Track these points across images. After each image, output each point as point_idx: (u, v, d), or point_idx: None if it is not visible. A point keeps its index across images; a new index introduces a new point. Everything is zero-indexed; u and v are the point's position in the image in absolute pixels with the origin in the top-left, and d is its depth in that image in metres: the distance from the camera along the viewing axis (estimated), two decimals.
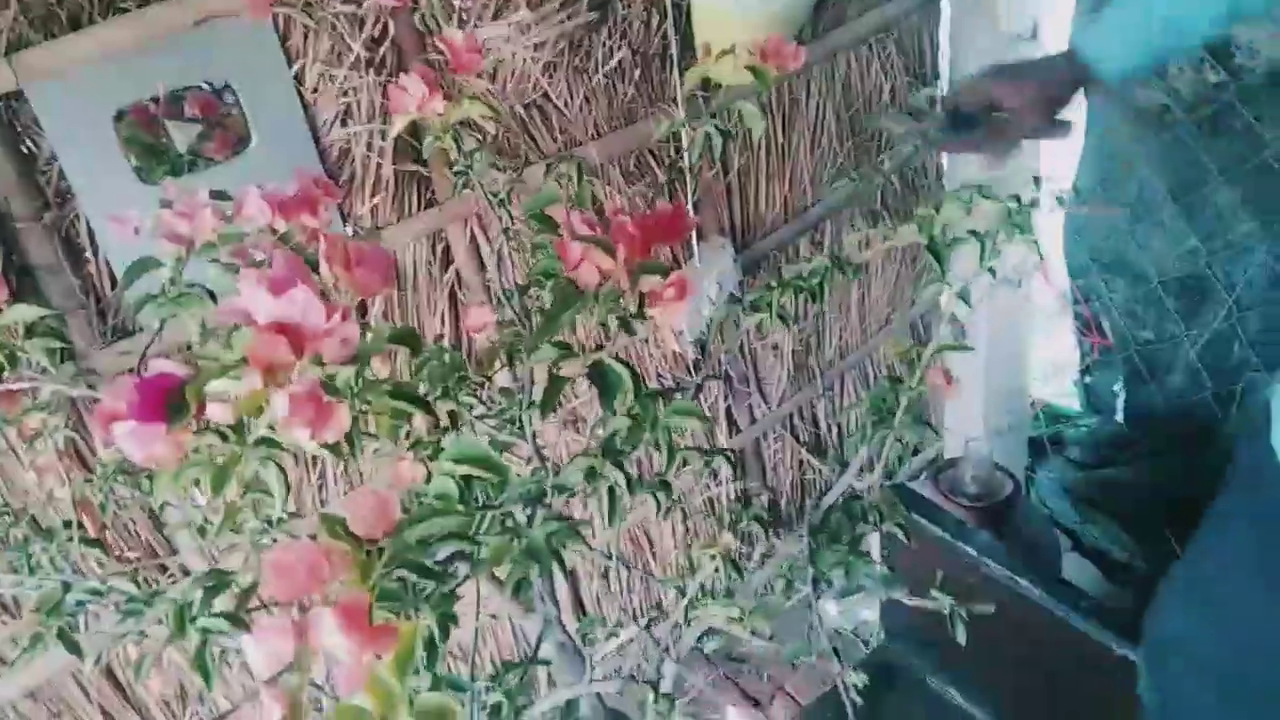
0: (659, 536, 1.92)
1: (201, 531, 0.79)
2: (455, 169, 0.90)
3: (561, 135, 1.52)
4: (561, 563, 0.68)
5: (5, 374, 0.87)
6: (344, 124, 1.33)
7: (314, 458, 1.47)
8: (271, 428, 0.55)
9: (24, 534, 0.91)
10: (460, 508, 0.58)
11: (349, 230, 1.41)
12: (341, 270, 0.67)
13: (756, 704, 2.14)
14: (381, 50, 1.31)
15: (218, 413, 0.56)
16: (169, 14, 1.16)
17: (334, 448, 0.55)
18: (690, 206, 1.68)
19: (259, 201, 0.92)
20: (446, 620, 0.54)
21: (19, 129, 1.14)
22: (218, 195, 1.00)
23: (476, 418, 0.97)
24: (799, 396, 2.13)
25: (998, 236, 0.69)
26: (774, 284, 0.79)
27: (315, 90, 1.30)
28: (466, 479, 0.65)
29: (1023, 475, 2.20)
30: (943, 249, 0.70)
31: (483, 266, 1.52)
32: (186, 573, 1.43)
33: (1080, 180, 1.85)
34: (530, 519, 0.71)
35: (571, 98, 1.49)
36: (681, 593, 0.76)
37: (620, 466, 0.67)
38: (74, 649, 0.70)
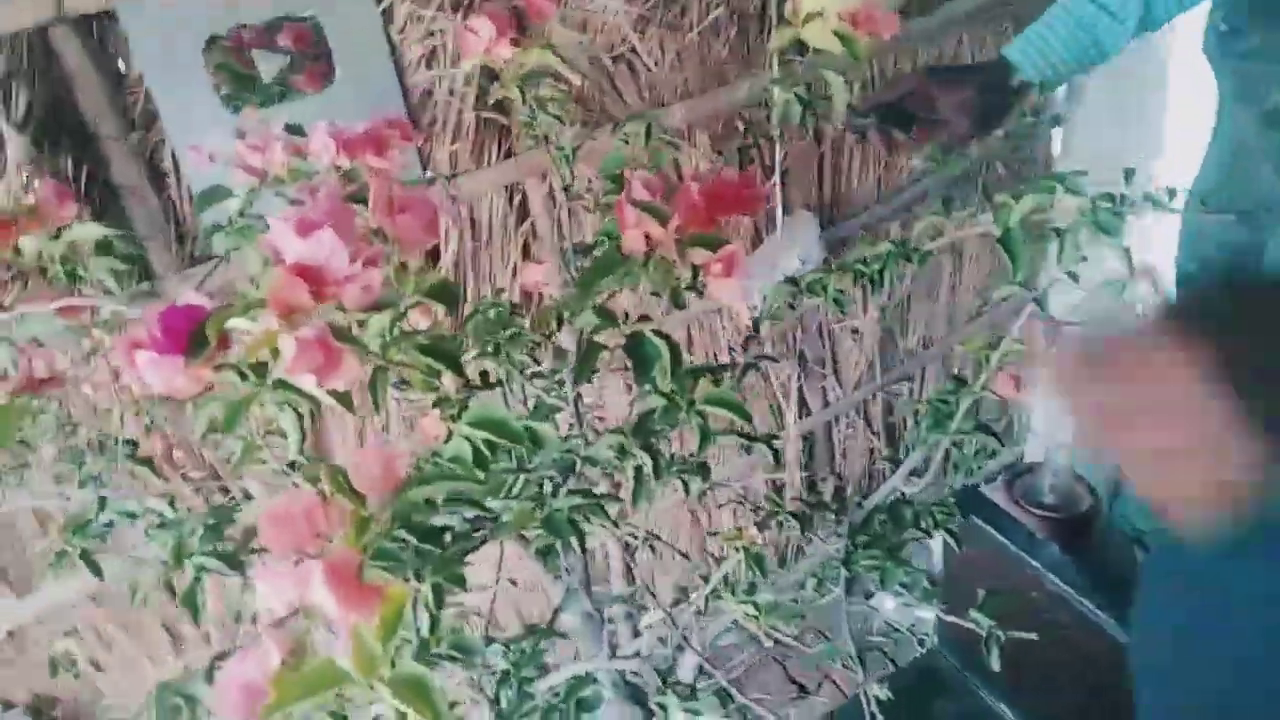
0: (711, 516, 1.89)
1: (224, 491, 0.80)
2: (522, 120, 0.87)
3: (649, 92, 1.48)
4: (580, 536, 0.65)
5: (70, 288, 0.89)
6: (429, 66, 1.32)
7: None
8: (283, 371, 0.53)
9: (81, 445, 0.93)
10: (477, 472, 0.56)
11: (427, 174, 1.40)
12: (384, 217, 0.65)
13: (803, 689, 2.11)
14: None
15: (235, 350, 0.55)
16: None
17: (343, 396, 0.54)
18: (776, 177, 1.64)
19: (325, 138, 0.92)
20: (443, 587, 0.52)
21: (110, 49, 1.16)
22: (292, 129, 1.00)
23: (528, 377, 0.95)
24: (876, 384, 2.06)
25: (1080, 235, 0.63)
26: (832, 266, 0.75)
27: (402, 30, 1.28)
28: (490, 443, 0.63)
29: (1108, 490, 2.09)
30: (1018, 245, 0.64)
31: (558, 222, 1.50)
32: (249, 496, 1.46)
33: (1201, 183, 1.73)
34: (556, 489, 0.69)
35: (662, 54, 1.45)
36: (705, 580, 0.74)
37: (649, 448, 0.64)
38: (96, 570, 0.72)
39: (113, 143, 1.18)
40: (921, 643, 2.04)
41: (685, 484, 0.69)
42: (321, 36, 1.27)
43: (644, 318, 0.70)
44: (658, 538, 0.83)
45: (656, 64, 1.45)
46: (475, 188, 1.42)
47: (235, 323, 0.53)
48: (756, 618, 0.69)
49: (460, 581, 0.56)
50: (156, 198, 1.24)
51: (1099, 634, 1.36)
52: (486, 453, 0.59)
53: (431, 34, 1.29)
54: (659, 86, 1.48)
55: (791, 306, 0.77)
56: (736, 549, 0.70)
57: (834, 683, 2.06)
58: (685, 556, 1.49)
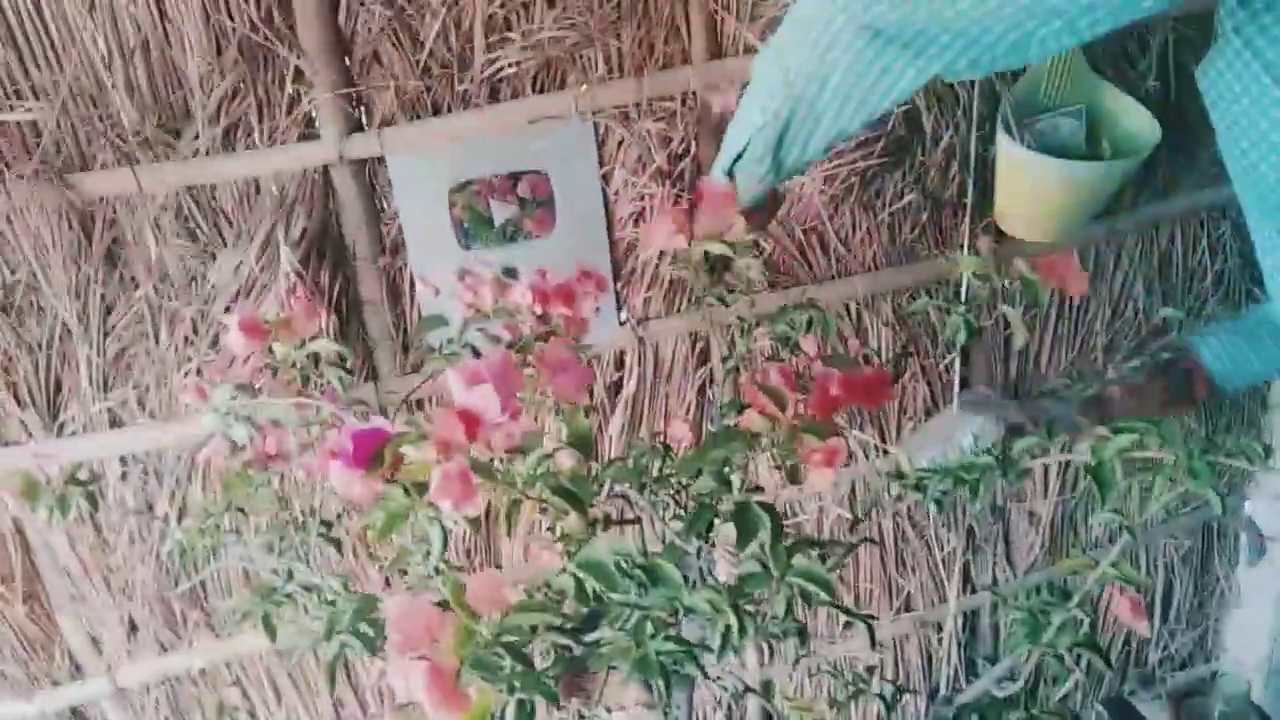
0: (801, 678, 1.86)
1: (403, 573, 0.93)
2: (698, 294, 0.98)
3: (836, 263, 1.56)
4: (668, 681, 0.72)
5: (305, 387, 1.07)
6: (635, 224, 1.47)
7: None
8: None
9: (288, 519, 1.10)
10: (568, 606, 0.64)
11: (623, 316, 1.54)
12: (549, 376, 0.77)
13: None
14: (681, 166, 1.44)
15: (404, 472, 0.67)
16: (511, 111, 1.36)
17: (472, 521, 0.64)
18: (956, 352, 1.66)
19: (523, 290, 1.06)
20: (531, 702, 0.60)
21: (375, 187, 1.39)
22: (508, 271, 1.16)
23: (667, 519, 1.03)
24: (1052, 570, 1.98)
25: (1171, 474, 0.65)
26: (936, 469, 0.79)
27: (617, 192, 1.45)
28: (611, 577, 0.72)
29: None
30: (1109, 478, 0.67)
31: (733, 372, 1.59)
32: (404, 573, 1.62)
33: None
34: (658, 631, 0.77)
35: (852, 231, 1.54)
36: None
37: (736, 608, 0.70)
38: (271, 632, 0.85)
39: (365, 264, 1.40)
40: None
41: (771, 648, 0.74)
42: (550, 189, 1.45)
43: (757, 488, 0.77)
44: (751, 689, 0.88)
45: (845, 239, 1.54)
46: (663, 331, 1.55)
47: (406, 449, 0.66)
48: None
49: (552, 697, 0.65)
50: (391, 312, 1.45)
51: None
52: (591, 589, 0.68)
53: (641, 197, 1.45)
54: (846, 259, 1.56)
55: (899, 498, 0.82)
56: (800, 719, 0.74)
57: None
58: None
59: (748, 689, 0.92)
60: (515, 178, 1.54)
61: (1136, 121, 1.49)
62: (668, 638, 0.75)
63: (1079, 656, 0.85)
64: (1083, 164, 1.42)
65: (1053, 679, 0.76)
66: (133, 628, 1.53)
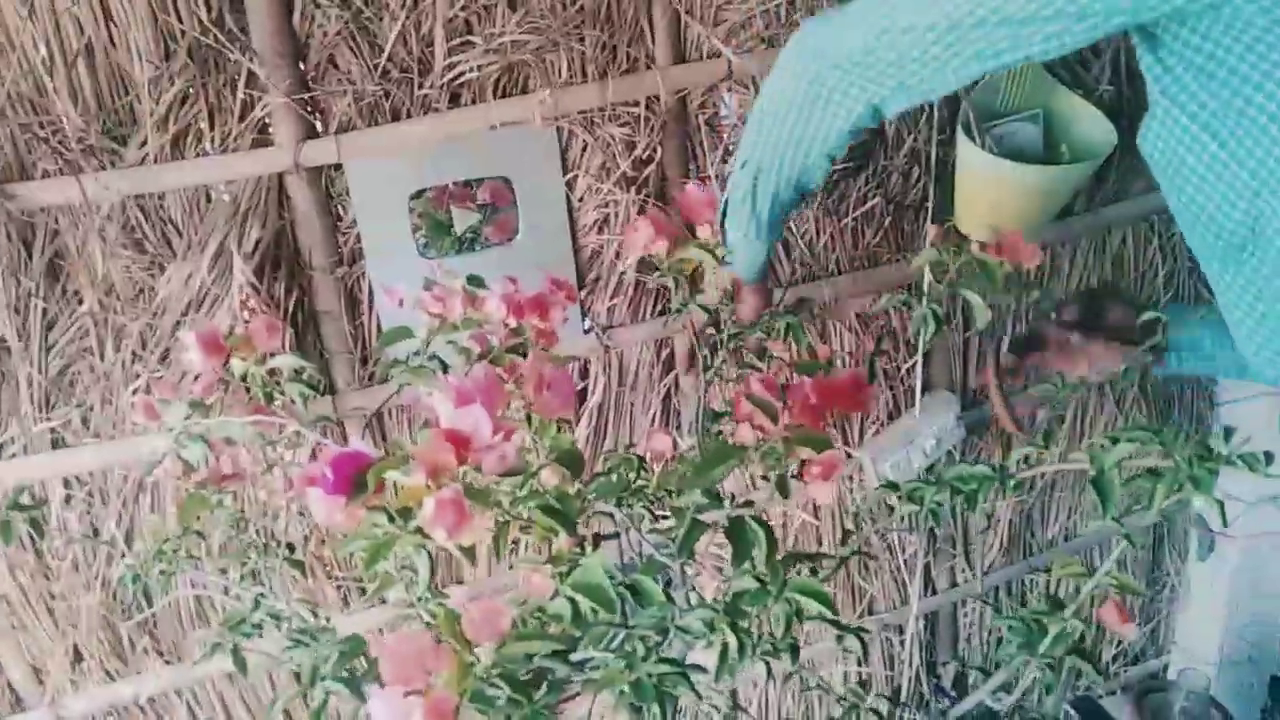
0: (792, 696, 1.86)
1: (362, 591, 0.89)
2: (675, 305, 0.96)
3: (800, 268, 1.56)
4: (662, 705, 0.70)
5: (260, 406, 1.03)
6: (600, 231, 1.45)
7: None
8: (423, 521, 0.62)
9: (250, 542, 1.05)
10: (571, 631, 0.62)
11: (586, 324, 1.52)
12: (532, 392, 0.74)
13: None
14: (646, 172, 1.42)
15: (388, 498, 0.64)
16: (472, 117, 1.33)
17: (468, 550, 0.62)
18: (919, 355, 1.67)
19: (497, 301, 1.03)
20: None
21: (332, 195, 1.34)
22: (473, 280, 1.12)
23: (645, 531, 1.01)
24: (1009, 570, 2.01)
25: (1174, 486, 0.65)
26: (931, 480, 0.78)
27: (581, 198, 1.43)
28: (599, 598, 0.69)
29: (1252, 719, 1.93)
30: (1109, 488, 0.67)
31: (701, 378, 1.58)
32: (384, 602, 1.57)
33: None
34: (649, 651, 0.75)
35: (816, 236, 1.54)
36: None
37: (734, 627, 0.69)
38: (242, 667, 0.81)
39: (321, 274, 1.36)
40: None
41: (769, 667, 0.73)
42: (512, 195, 1.42)
43: (748, 502, 0.76)
44: (743, 709, 0.86)
45: (810, 243, 1.54)
46: (628, 338, 1.53)
47: (391, 475, 0.63)
48: None
49: None
50: (349, 323, 1.40)
51: None
52: (586, 613, 0.65)
53: (605, 205, 1.43)
54: (810, 263, 1.56)
55: (891, 509, 0.81)
56: None
57: None
58: None
59: (737, 706, 0.91)
60: (474, 185, 1.51)
61: (1092, 126, 1.51)
62: (660, 660, 0.73)
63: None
64: (1041, 168, 1.43)
65: (1046, 689, 0.76)
66: (77, 656, 1.46)
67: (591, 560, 0.67)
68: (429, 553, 0.65)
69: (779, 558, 0.73)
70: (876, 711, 0.81)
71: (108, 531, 1.38)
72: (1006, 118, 1.52)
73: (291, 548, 1.02)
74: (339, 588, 1.53)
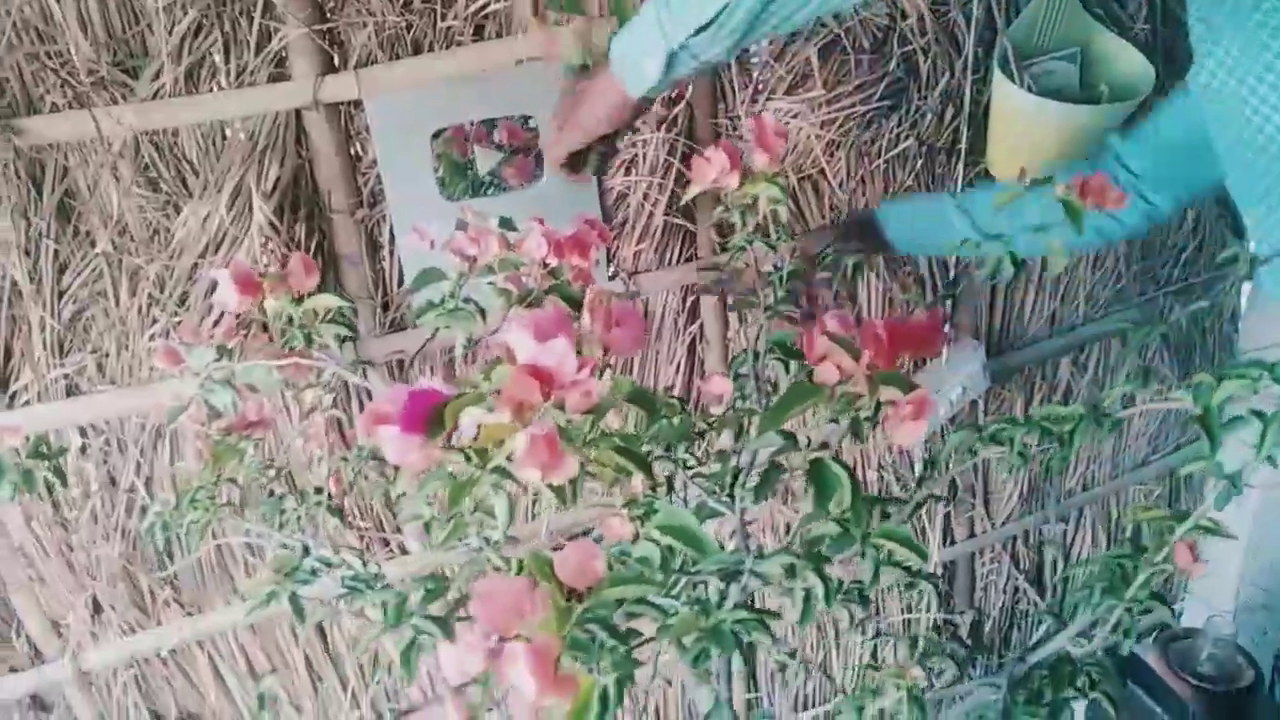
0: (846, 636, 1.86)
1: (427, 528, 0.86)
2: (735, 243, 0.93)
3: (831, 211, 1.52)
4: (742, 650, 0.68)
5: (298, 349, 0.99)
6: (627, 172, 1.41)
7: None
8: (508, 459, 0.59)
9: (282, 490, 1.02)
10: (659, 576, 0.59)
11: (611, 270, 1.48)
12: (603, 329, 0.71)
13: None
14: (675, 110, 1.37)
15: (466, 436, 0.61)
16: (497, 51, 1.28)
17: (558, 490, 0.59)
18: (947, 304, 1.65)
19: (539, 238, 0.99)
20: (624, 682, 0.55)
21: (351, 133, 1.29)
22: (504, 223, 1.08)
23: (691, 476, 0.98)
24: (1027, 520, 2.00)
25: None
26: (1020, 420, 0.76)
27: None
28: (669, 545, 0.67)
29: (1271, 665, 1.95)
30: (1216, 426, 0.64)
31: (727, 325, 1.55)
32: (404, 551, 1.55)
33: None
34: (722, 598, 0.72)
35: (848, 177, 1.50)
36: (859, 713, 0.74)
37: (820, 573, 0.66)
38: (299, 613, 0.78)
39: (341, 216, 1.31)
40: None
41: (851, 613, 0.70)
42: (534, 136, 1.38)
43: (824, 444, 0.73)
44: (792, 656, 0.85)
45: (841, 186, 1.50)
46: (655, 284, 1.49)
47: (471, 411, 0.59)
48: None
49: (632, 680, 0.60)
50: (370, 268, 1.36)
51: None
52: (666, 556, 0.63)
53: (632, 145, 1.38)
54: (840, 206, 1.52)
55: (972, 452, 0.79)
56: (897, 686, 0.71)
57: None
58: (829, 678, 1.48)
59: (791, 655, 0.89)
60: (491, 125, 1.46)
61: (1131, 65, 1.48)
62: (737, 605, 0.71)
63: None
64: (1084, 108, 1.40)
65: (1125, 633, 0.74)
66: (96, 609, 1.43)
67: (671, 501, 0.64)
68: (508, 494, 0.62)
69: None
70: (954, 657, 0.79)
71: (126, 481, 1.34)
72: (1043, 57, 1.48)
73: (329, 494, 0.99)
74: (361, 536, 1.51)
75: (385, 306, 1.39)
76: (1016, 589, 2.07)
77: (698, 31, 0.81)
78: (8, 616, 1.40)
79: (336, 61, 1.25)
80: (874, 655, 0.94)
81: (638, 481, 0.73)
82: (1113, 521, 2.13)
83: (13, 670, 1.43)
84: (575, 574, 0.55)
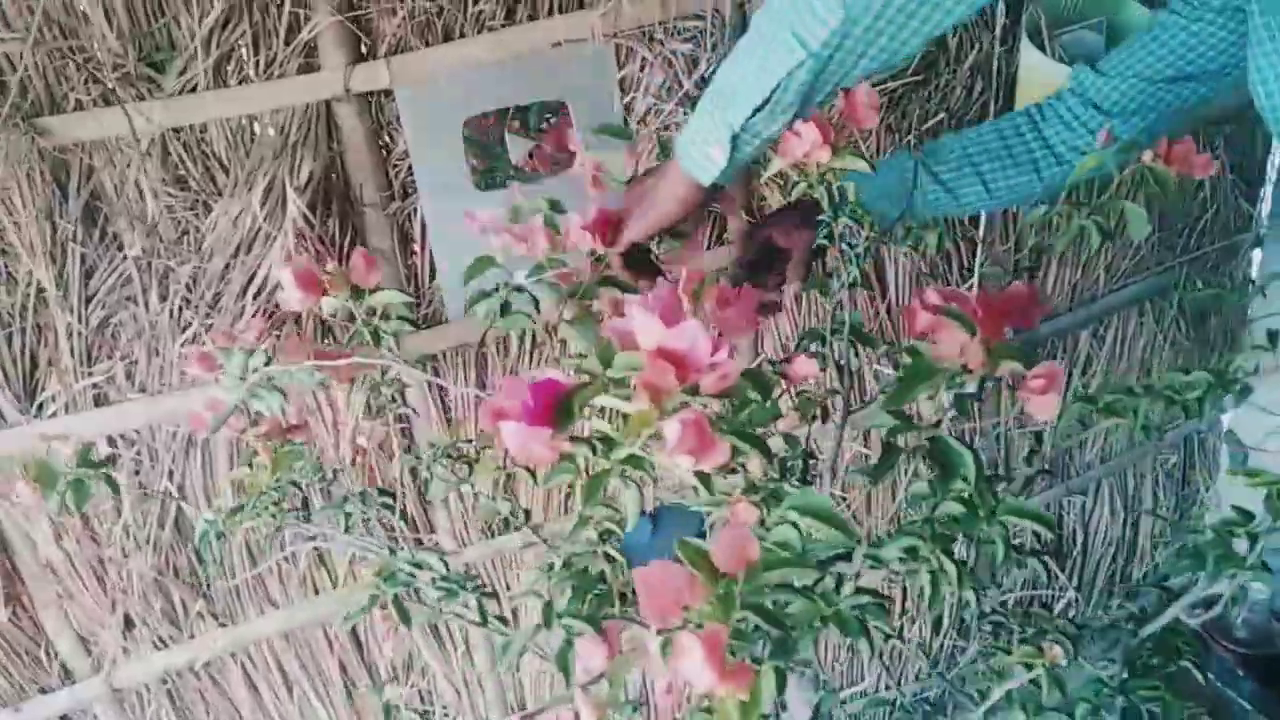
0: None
1: (507, 524, 0.84)
2: (825, 220, 0.91)
3: None
4: (868, 635, 0.66)
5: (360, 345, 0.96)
6: (659, 158, 1.38)
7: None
8: (646, 448, 0.57)
9: (343, 493, 0.99)
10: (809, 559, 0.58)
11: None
12: (718, 310, 0.69)
13: None
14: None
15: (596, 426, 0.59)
16: (530, 35, 1.25)
17: (705, 478, 0.56)
18: (975, 278, 1.64)
19: (580, 229, 0.96)
20: (784, 671, 0.53)
21: (381, 124, 1.26)
22: (554, 205, 1.04)
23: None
24: (1047, 494, 2.01)
25: None
26: (1139, 389, 0.75)
27: (641, 120, 1.35)
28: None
29: None
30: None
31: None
32: (444, 552, 1.52)
33: None
34: (838, 585, 0.70)
35: (878, 153, 1.48)
36: (981, 696, 0.72)
37: (950, 553, 0.64)
38: (405, 618, 0.76)
39: (373, 210, 1.28)
40: None
41: (977, 594, 0.69)
42: (568, 121, 1.35)
43: (936, 424, 0.71)
44: (898, 637, 0.83)
45: (870, 161, 1.48)
46: (681, 267, 1.47)
47: (605, 400, 0.57)
48: None
49: (790, 666, 0.58)
50: (402, 262, 1.33)
51: None
52: (810, 540, 0.61)
53: (667, 127, 1.36)
54: None
55: (1083, 424, 0.78)
56: (1029, 666, 0.69)
57: None
58: (928, 656, 1.48)
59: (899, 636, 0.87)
60: (522, 111, 1.43)
61: None
62: (858, 590, 0.69)
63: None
64: None
65: (1232, 600, 0.73)
66: (128, 624, 1.39)
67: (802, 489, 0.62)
68: (638, 486, 0.60)
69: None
70: (1064, 632, 0.78)
71: (159, 490, 1.30)
72: (1069, 26, 1.48)
73: (392, 495, 0.96)
74: (392, 535, 1.47)
75: (417, 302, 1.36)
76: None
77: (754, 112, 0.82)
78: (37, 635, 1.36)
79: (365, 50, 1.21)
80: (995, 636, 0.91)
81: (756, 464, 0.71)
82: (1130, 492, 2.14)
83: (43, 691, 1.39)
84: (730, 559, 0.53)
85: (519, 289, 1.03)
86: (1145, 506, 2.13)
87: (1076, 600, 2.09)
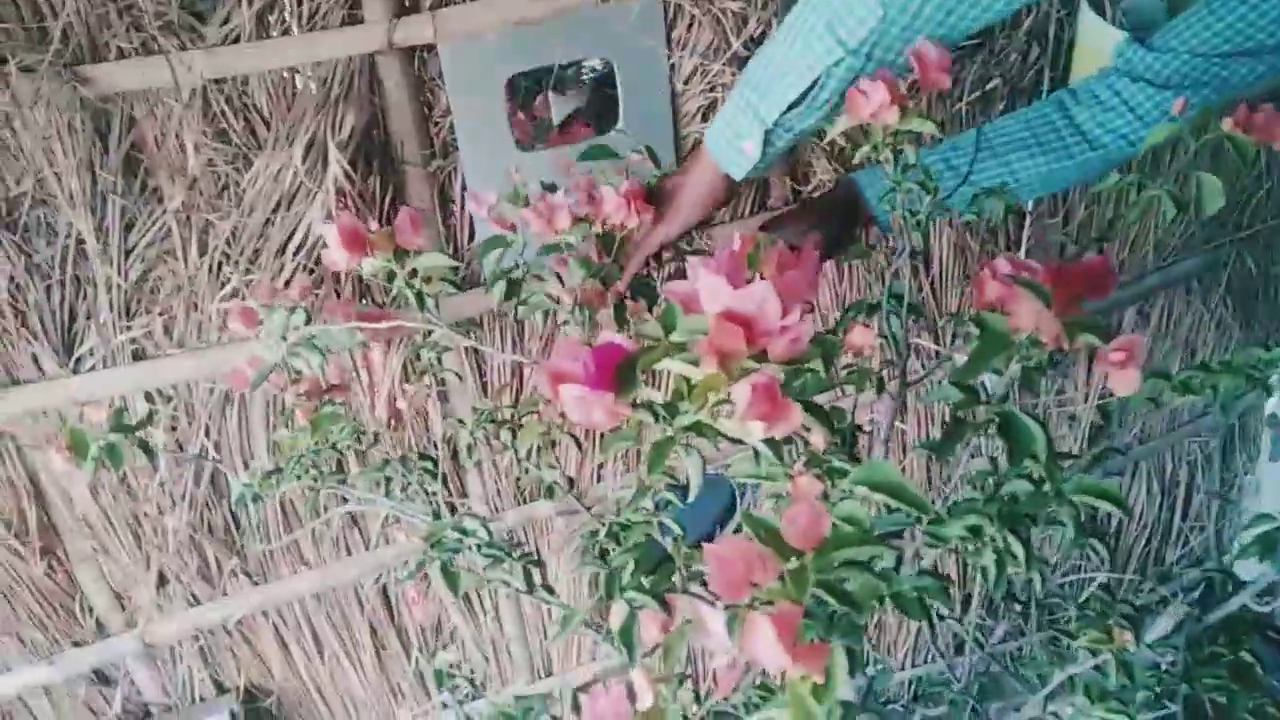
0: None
1: (543, 491, 0.82)
2: (890, 183, 0.88)
3: None
4: (930, 618, 0.64)
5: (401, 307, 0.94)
6: (705, 119, 1.35)
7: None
8: (715, 413, 0.54)
9: (384, 456, 0.98)
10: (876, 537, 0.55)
11: None
12: (775, 274, 0.66)
13: None
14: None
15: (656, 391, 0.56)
16: None
17: (774, 445, 0.54)
18: (1022, 252, 1.60)
19: (616, 201, 0.93)
20: (856, 651, 0.51)
21: (424, 81, 1.23)
22: (548, 187, 1.00)
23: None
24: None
25: None
26: (1215, 367, 0.72)
27: (687, 81, 1.32)
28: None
29: None
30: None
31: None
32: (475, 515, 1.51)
33: None
34: (898, 563, 0.68)
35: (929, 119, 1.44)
36: (1042, 681, 0.70)
37: (1018, 534, 0.62)
38: (453, 583, 0.74)
39: (413, 169, 1.25)
40: None
41: (1042, 575, 0.67)
42: (612, 81, 1.31)
43: (1004, 398, 0.69)
44: (942, 618, 0.81)
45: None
46: (728, 234, 1.44)
47: (669, 364, 0.55)
48: None
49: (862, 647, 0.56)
50: (440, 222, 1.30)
51: None
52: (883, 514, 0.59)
53: (713, 89, 1.32)
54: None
55: (1155, 403, 0.75)
56: (1095, 652, 0.67)
57: None
58: (979, 645, 1.46)
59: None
60: (565, 70, 1.39)
61: None
62: (920, 571, 0.67)
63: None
64: None
65: None
66: (161, 580, 1.39)
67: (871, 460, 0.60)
68: (700, 454, 0.58)
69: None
70: (1125, 615, 0.76)
71: (195, 447, 1.29)
72: None
73: (433, 459, 0.94)
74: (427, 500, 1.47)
75: (456, 266, 1.34)
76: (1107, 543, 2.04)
77: (790, 108, 0.82)
78: (71, 589, 1.36)
79: (409, 3, 1.18)
80: (1049, 619, 0.89)
81: (819, 436, 0.68)
82: (1168, 473, 2.11)
83: (76, 644, 1.40)
84: (802, 535, 0.51)
85: (539, 276, 0.99)
86: (1181, 489, 2.09)
87: (1109, 582, 2.06)
